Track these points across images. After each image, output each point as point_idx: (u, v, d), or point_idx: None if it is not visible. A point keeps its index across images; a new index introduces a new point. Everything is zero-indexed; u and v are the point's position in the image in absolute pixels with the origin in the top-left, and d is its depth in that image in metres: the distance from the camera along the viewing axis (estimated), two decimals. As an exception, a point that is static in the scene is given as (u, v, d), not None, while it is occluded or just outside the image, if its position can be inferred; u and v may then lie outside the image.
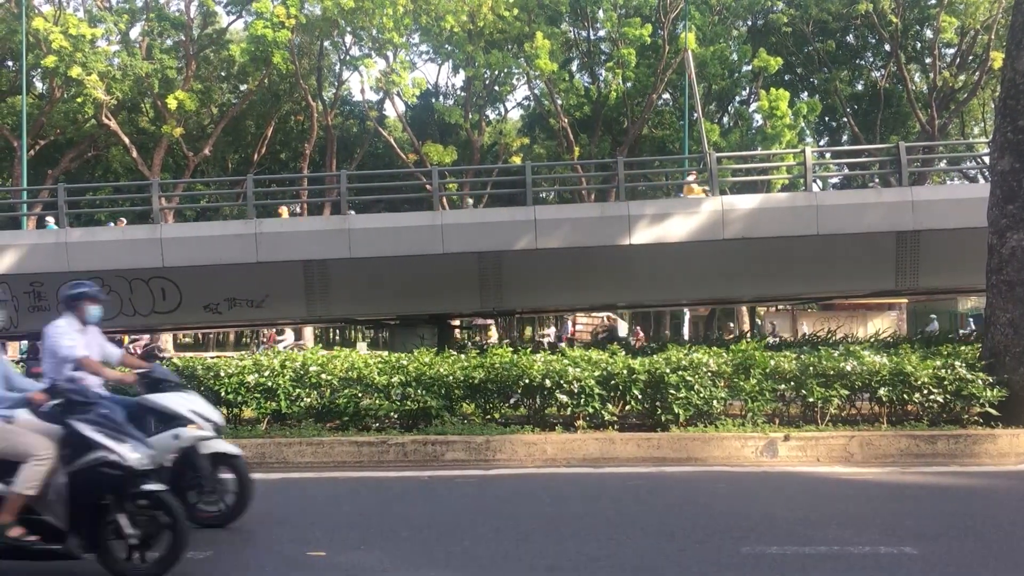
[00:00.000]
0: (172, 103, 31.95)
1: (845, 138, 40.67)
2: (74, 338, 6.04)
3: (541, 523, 6.14)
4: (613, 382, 9.22)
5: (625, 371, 9.19)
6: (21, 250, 15.97)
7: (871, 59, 40.54)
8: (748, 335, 23.34)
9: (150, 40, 35.37)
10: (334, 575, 5.07)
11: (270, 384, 9.44)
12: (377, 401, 9.31)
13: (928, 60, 37.54)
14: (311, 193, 27.04)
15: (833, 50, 37.93)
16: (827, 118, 41.34)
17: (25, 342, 26.13)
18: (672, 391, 9.05)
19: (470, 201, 23.31)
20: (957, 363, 9.16)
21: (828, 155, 32.74)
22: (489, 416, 9.54)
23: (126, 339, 27.32)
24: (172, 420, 5.79)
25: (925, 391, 9.05)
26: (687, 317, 36.58)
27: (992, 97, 35.83)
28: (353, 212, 16.73)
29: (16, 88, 32.00)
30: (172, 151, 37.00)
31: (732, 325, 38.55)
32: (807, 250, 15.42)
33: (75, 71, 29.48)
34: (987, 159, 13.47)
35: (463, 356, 9.82)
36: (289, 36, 31.11)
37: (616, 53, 34.13)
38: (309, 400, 9.45)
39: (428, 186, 21.50)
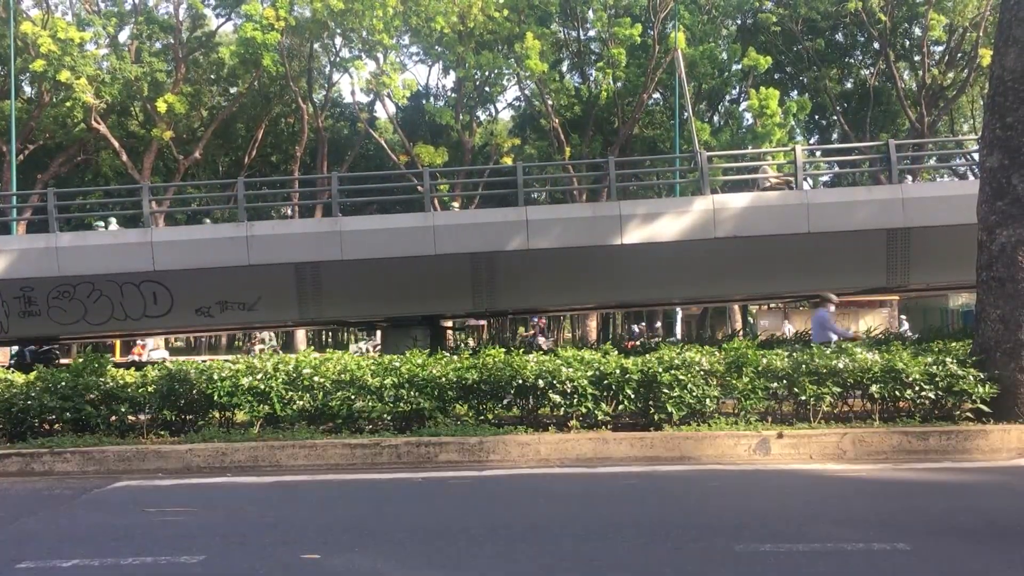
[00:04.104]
0: (162, 106, 31.87)
1: (835, 136, 40.84)
2: None
3: (536, 523, 6.14)
4: (606, 382, 9.22)
5: (618, 371, 9.19)
6: (11, 255, 15.89)
7: (860, 57, 40.70)
8: (740, 333, 23.41)
9: (139, 43, 35.25)
10: (328, 578, 5.06)
11: (263, 387, 9.42)
12: (370, 403, 9.29)
13: (917, 58, 37.71)
14: (302, 195, 27.00)
15: (822, 48, 38.09)
16: (817, 116, 41.51)
17: (16, 347, 25.90)
18: (665, 390, 9.07)
19: (455, 206, 23.25)
20: (948, 359, 9.19)
21: (818, 153, 32.88)
22: (482, 417, 9.51)
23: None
24: None
25: (917, 388, 9.08)
26: (679, 316, 36.66)
27: (981, 94, 36.00)
28: (341, 215, 16.71)
29: (5, 93, 31.80)
30: (162, 154, 36.88)
31: (729, 327, 38.60)
32: (798, 248, 15.48)
33: (64, 75, 29.37)
34: (976, 156, 13.52)
35: (456, 357, 9.81)
36: (279, 38, 31.06)
37: (606, 53, 34.18)
38: (302, 403, 9.42)
39: (420, 187, 21.47)
